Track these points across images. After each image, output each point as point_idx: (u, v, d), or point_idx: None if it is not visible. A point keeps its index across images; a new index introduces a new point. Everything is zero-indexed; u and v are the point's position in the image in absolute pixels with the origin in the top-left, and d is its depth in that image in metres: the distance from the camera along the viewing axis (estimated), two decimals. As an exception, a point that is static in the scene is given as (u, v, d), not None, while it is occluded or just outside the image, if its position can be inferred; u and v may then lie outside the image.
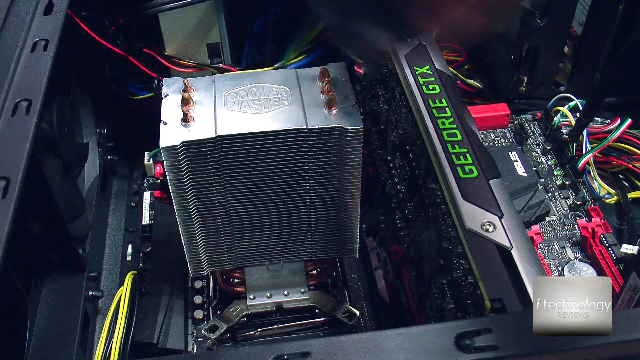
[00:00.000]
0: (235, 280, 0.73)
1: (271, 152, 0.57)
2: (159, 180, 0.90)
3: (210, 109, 0.57)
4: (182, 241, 0.63)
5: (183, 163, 0.56)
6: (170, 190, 0.59)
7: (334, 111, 0.56)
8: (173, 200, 0.59)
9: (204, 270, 0.67)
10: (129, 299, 0.71)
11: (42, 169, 0.60)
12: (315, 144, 0.56)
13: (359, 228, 0.65)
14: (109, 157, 0.89)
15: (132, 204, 0.89)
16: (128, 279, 0.73)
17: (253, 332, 0.71)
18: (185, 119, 0.56)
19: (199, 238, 0.63)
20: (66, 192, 0.69)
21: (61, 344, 0.64)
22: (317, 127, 0.55)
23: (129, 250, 0.83)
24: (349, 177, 0.59)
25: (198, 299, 0.74)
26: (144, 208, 0.87)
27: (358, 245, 0.67)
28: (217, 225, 0.62)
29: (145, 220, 0.85)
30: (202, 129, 0.56)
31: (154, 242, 0.80)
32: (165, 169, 0.57)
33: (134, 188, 0.92)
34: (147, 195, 0.89)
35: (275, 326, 0.72)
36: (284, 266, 0.71)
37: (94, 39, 0.79)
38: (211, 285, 0.75)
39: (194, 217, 0.61)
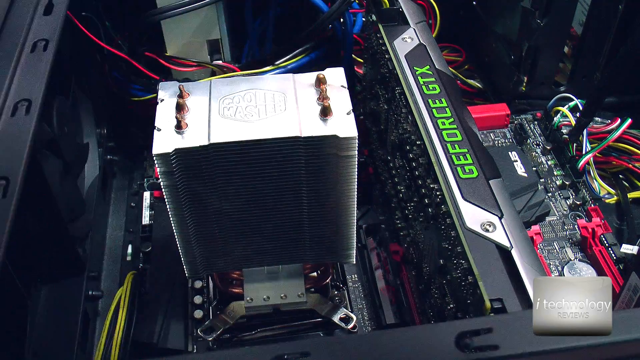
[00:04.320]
0: (233, 282, 0.73)
1: (265, 160, 0.56)
2: (159, 181, 0.90)
3: (205, 115, 0.57)
4: (178, 245, 0.63)
5: (176, 170, 0.56)
6: (165, 196, 0.58)
7: (329, 119, 0.56)
8: (167, 206, 0.59)
9: (200, 273, 0.67)
10: (129, 299, 0.71)
11: (42, 169, 0.60)
12: (310, 152, 0.56)
13: (355, 234, 0.65)
14: (109, 157, 0.89)
15: (132, 204, 0.89)
16: (128, 279, 0.73)
17: (253, 332, 0.71)
18: (179, 126, 0.55)
19: (195, 242, 0.63)
20: (66, 192, 0.68)
21: (61, 344, 0.64)
22: (311, 135, 0.55)
23: (129, 250, 0.83)
24: (344, 184, 0.59)
25: (198, 299, 0.74)
26: (144, 208, 0.87)
27: (355, 251, 0.67)
28: (212, 230, 0.62)
29: (145, 220, 0.85)
30: (195, 137, 0.55)
31: (154, 242, 0.80)
32: (159, 176, 0.57)
33: (134, 188, 0.91)
34: (147, 195, 0.88)
35: (275, 326, 0.72)
36: (282, 269, 0.71)
37: (94, 40, 0.79)
38: (211, 285, 0.75)
39: (189, 222, 0.61)
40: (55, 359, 0.63)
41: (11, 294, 0.58)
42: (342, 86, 0.59)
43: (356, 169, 0.58)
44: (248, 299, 0.71)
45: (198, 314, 0.73)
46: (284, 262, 0.68)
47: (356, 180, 0.59)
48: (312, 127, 0.55)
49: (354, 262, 0.69)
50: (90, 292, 0.72)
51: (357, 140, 0.55)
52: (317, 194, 0.60)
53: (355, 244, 0.66)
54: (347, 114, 0.56)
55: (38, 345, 0.62)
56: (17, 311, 0.60)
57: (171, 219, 0.61)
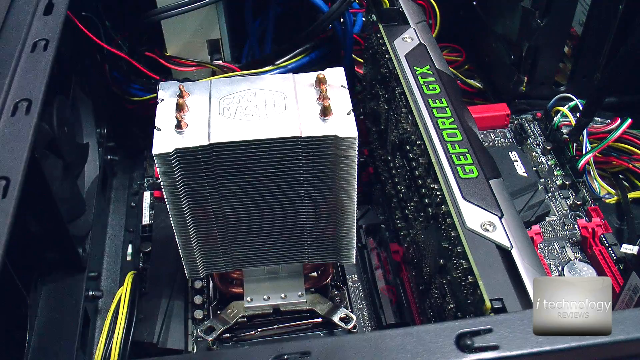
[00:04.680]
0: (233, 282, 0.73)
1: (265, 160, 0.56)
2: (159, 180, 0.90)
3: (205, 115, 0.57)
4: (178, 244, 0.63)
5: (176, 170, 0.56)
6: (165, 196, 0.58)
7: (329, 119, 0.55)
8: (168, 206, 0.59)
9: (200, 273, 0.67)
10: (129, 299, 0.71)
11: (42, 169, 0.60)
12: (310, 152, 0.56)
13: (355, 234, 0.65)
14: (109, 157, 0.89)
15: (132, 204, 0.89)
16: (128, 279, 0.73)
17: (253, 332, 0.71)
18: (179, 126, 0.55)
19: (195, 242, 0.63)
20: (66, 192, 0.68)
21: (61, 344, 0.64)
22: (310, 135, 0.55)
23: (129, 250, 0.83)
24: (344, 184, 0.59)
25: (198, 299, 0.74)
26: (144, 208, 0.87)
27: (355, 251, 0.67)
28: (212, 230, 0.62)
29: (145, 220, 0.85)
30: (195, 136, 0.55)
31: (154, 242, 0.80)
32: (159, 175, 0.57)
33: (134, 188, 0.91)
34: (147, 195, 0.88)
35: (275, 326, 0.72)
36: (282, 268, 0.71)
37: (94, 40, 0.79)
38: (211, 285, 0.75)
39: (189, 221, 0.61)
40: (55, 359, 0.63)
41: (11, 294, 0.58)
42: (342, 86, 0.59)
43: (356, 169, 0.58)
44: (248, 299, 0.71)
45: (198, 314, 0.73)
46: (284, 262, 0.68)
47: (356, 180, 0.59)
48: (312, 127, 0.55)
49: (354, 262, 0.69)
50: (90, 292, 0.72)
51: (357, 140, 0.55)
52: (317, 194, 0.60)
53: (355, 244, 0.66)
54: (347, 114, 0.56)
55: (38, 345, 0.62)
56: (17, 311, 0.60)
57: (171, 218, 0.61)
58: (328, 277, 0.73)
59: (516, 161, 0.85)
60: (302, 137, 0.55)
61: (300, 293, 0.71)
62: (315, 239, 0.65)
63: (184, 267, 0.66)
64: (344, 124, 0.55)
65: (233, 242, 0.64)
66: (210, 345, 0.71)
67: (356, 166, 0.57)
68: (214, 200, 0.59)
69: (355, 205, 0.61)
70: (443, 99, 0.66)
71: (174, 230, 0.62)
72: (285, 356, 0.39)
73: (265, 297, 0.70)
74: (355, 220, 0.63)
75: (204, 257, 0.65)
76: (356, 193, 0.60)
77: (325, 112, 0.56)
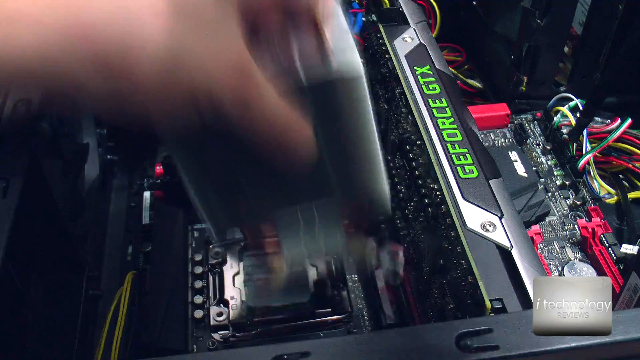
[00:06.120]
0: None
1: None
2: (159, 180, 0.90)
3: None
4: (197, 208, 0.60)
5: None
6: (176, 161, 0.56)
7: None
8: (180, 171, 0.57)
9: (226, 232, 0.63)
10: (129, 299, 0.71)
11: (42, 169, 0.60)
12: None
13: (386, 185, 0.60)
14: (109, 157, 0.89)
15: (132, 204, 0.89)
16: (128, 279, 0.73)
17: (253, 332, 0.71)
18: None
19: (214, 196, 0.60)
20: (66, 192, 0.68)
21: (61, 344, 0.64)
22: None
23: (129, 250, 0.83)
24: (359, 127, 0.55)
25: (198, 299, 0.74)
26: (144, 208, 0.87)
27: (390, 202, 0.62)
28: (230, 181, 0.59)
29: (145, 220, 0.85)
30: None
31: (154, 242, 0.80)
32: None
33: (134, 188, 0.91)
34: (147, 195, 0.88)
35: (275, 326, 0.72)
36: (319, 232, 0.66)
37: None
38: (211, 285, 0.75)
39: (204, 179, 0.58)
40: (55, 359, 0.63)
41: (11, 294, 0.58)
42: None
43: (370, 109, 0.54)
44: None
45: (198, 314, 0.73)
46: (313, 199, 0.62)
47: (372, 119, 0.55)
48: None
49: (390, 214, 0.66)
50: (90, 292, 0.72)
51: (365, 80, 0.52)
52: (333, 138, 0.56)
53: (389, 193, 0.61)
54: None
55: (38, 345, 0.62)
56: (17, 311, 0.60)
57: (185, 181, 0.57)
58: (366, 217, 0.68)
59: (516, 161, 0.85)
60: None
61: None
62: (341, 176, 0.60)
63: (209, 230, 0.62)
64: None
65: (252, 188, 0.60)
66: (210, 345, 0.71)
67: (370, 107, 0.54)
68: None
69: (378, 148, 0.56)
70: (443, 99, 0.66)
71: (190, 193, 0.58)
72: (285, 356, 0.39)
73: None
74: (383, 169, 0.59)
75: (227, 212, 0.61)
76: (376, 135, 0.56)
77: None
